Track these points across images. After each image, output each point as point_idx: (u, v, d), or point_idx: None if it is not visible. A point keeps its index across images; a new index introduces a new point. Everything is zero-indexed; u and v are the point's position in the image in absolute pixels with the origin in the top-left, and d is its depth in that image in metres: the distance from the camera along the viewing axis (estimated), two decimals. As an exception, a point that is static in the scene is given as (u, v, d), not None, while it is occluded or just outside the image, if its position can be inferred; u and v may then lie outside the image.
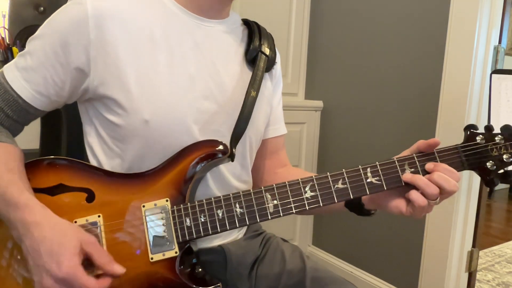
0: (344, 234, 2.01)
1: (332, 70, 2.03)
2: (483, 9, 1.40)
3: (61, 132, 0.99)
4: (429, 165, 0.66)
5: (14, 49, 1.37)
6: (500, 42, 1.46)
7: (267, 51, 0.84)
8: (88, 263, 0.61)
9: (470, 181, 1.51)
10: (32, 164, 0.70)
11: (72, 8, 0.69)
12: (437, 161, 0.66)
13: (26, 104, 0.71)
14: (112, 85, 0.69)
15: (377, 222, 1.81)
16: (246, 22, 0.88)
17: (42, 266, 0.59)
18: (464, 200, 1.51)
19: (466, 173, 1.49)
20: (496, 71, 0.90)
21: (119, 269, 0.62)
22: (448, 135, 1.48)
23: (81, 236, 0.61)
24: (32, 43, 0.71)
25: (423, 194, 0.64)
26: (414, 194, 0.64)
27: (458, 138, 1.58)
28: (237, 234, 0.85)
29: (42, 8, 1.37)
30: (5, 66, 0.73)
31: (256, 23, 0.88)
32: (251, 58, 0.82)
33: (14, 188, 0.63)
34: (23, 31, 1.36)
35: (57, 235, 0.60)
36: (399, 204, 0.68)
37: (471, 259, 1.56)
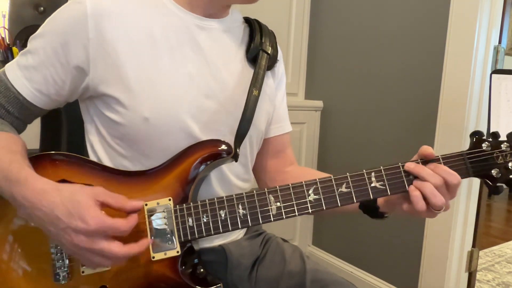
0: (344, 234, 2.01)
1: (332, 70, 2.03)
2: (483, 9, 1.40)
3: (60, 132, 0.99)
4: (430, 166, 0.66)
5: (14, 49, 1.37)
6: (500, 42, 1.46)
7: (268, 49, 0.83)
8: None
9: (470, 181, 1.51)
10: (34, 159, 0.70)
11: (71, 7, 0.69)
12: None
13: (27, 102, 0.72)
14: (112, 84, 0.69)
15: (377, 223, 1.80)
16: (247, 20, 0.88)
17: (67, 228, 0.58)
18: (464, 200, 1.51)
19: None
20: (496, 71, 0.90)
21: (138, 203, 0.64)
22: (448, 135, 1.48)
23: (89, 190, 0.61)
24: (33, 42, 0.72)
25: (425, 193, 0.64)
26: (414, 197, 0.64)
27: (458, 137, 1.57)
28: (237, 234, 0.85)
29: (42, 8, 1.36)
30: (7, 64, 0.73)
31: (257, 21, 0.88)
32: (252, 56, 0.82)
33: (15, 166, 0.63)
34: (23, 31, 1.36)
35: (66, 196, 0.59)
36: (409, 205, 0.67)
37: (471, 259, 1.57)
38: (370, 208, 0.76)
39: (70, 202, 0.59)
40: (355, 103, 1.91)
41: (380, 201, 0.74)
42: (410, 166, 0.66)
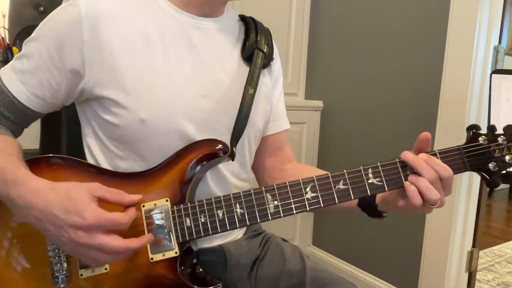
0: (344, 234, 2.01)
1: (332, 70, 2.03)
2: (483, 9, 1.39)
3: (61, 133, 0.99)
4: (422, 155, 0.65)
5: (14, 49, 1.37)
6: (500, 42, 1.46)
7: (264, 47, 0.83)
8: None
9: (470, 181, 1.51)
10: (31, 163, 0.70)
11: (65, 10, 0.69)
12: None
13: (23, 106, 0.71)
14: (108, 86, 0.69)
15: (377, 222, 1.81)
16: (242, 18, 0.88)
17: (64, 225, 0.58)
18: (464, 200, 1.51)
19: (467, 173, 1.49)
20: (496, 71, 0.90)
21: (136, 197, 0.63)
22: (448, 135, 1.48)
23: (85, 186, 0.61)
24: (28, 45, 0.71)
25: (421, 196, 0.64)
26: (410, 192, 0.64)
27: (458, 138, 1.57)
28: (237, 234, 0.85)
29: (42, 8, 1.37)
30: (2, 68, 0.73)
31: (253, 19, 0.87)
32: (248, 55, 0.82)
33: (11, 167, 0.63)
34: (23, 31, 1.37)
35: (61, 194, 0.59)
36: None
37: (471, 259, 1.56)
38: (368, 207, 0.76)
39: (66, 199, 0.58)
40: (355, 103, 1.90)
41: (379, 199, 0.74)
42: (409, 157, 0.65)
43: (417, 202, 0.63)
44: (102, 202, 0.61)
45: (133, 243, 0.60)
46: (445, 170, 0.64)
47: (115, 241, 0.58)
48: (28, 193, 0.60)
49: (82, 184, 0.61)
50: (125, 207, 0.63)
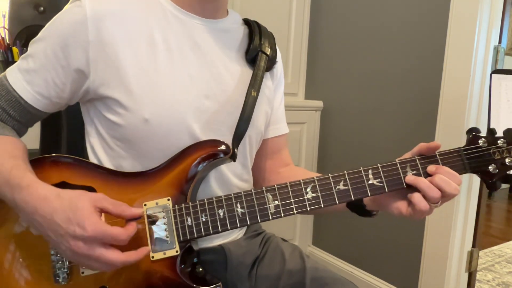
0: (344, 234, 2.01)
1: (332, 70, 2.03)
2: (483, 9, 1.40)
3: (61, 133, 0.99)
4: (431, 168, 0.66)
5: (14, 49, 1.37)
6: (500, 42, 1.46)
7: (267, 50, 0.84)
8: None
9: (470, 181, 1.51)
10: (35, 162, 0.71)
11: (71, 10, 0.70)
12: (439, 164, 0.66)
13: (28, 105, 0.72)
14: (113, 86, 0.70)
15: (377, 223, 1.81)
16: (246, 22, 0.89)
17: (65, 234, 0.59)
18: (464, 200, 1.51)
19: (467, 174, 1.49)
20: (496, 71, 0.90)
21: (137, 210, 0.64)
22: (448, 135, 1.48)
23: (89, 196, 0.61)
24: (34, 45, 0.72)
25: (424, 196, 0.64)
26: (416, 197, 0.64)
27: (458, 138, 1.57)
28: (237, 233, 0.85)
29: (42, 8, 1.37)
30: (8, 68, 0.74)
31: (257, 22, 0.88)
32: (251, 57, 0.82)
33: (17, 172, 0.64)
34: (23, 31, 1.37)
35: (66, 202, 0.60)
36: (399, 205, 0.68)
37: (471, 259, 1.56)
38: (357, 207, 0.76)
39: (70, 208, 0.59)
40: (355, 103, 1.91)
41: (366, 199, 0.74)
42: (410, 178, 0.66)
43: (424, 206, 0.64)
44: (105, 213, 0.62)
45: (131, 256, 0.61)
46: (451, 187, 0.64)
47: (113, 255, 0.59)
48: (33, 199, 0.61)
49: (87, 194, 0.62)
50: (127, 220, 0.63)
